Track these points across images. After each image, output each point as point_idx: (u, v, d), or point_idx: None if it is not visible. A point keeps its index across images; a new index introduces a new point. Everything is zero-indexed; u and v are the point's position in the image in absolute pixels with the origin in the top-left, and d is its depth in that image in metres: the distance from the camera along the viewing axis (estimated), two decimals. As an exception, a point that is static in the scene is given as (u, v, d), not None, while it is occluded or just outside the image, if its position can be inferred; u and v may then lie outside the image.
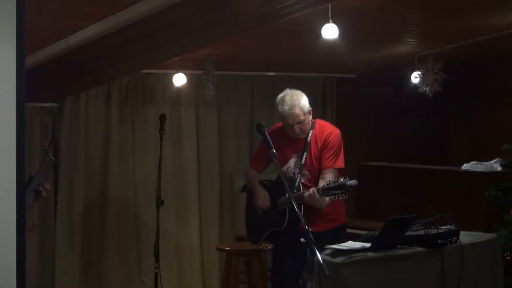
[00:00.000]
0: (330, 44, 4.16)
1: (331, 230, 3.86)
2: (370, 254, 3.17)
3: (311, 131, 3.91)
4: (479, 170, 5.39)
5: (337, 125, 6.66)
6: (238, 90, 6.14)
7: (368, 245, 3.23)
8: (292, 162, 3.94)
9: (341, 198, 3.53)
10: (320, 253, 2.78)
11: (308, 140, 3.87)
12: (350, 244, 3.29)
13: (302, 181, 3.88)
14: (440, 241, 3.35)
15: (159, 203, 4.59)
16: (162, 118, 4.79)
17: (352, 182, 3.45)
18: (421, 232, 3.37)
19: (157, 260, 4.63)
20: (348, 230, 5.97)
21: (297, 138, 3.92)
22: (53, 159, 3.19)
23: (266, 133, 3.71)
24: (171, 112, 5.78)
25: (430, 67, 5.72)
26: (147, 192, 5.33)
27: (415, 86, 5.87)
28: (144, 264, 5.65)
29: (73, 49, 4.35)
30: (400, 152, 6.79)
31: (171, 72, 5.39)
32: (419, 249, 3.32)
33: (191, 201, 5.93)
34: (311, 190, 3.67)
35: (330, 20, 3.83)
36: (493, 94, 6.56)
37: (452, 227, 3.44)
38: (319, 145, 3.88)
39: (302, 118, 3.84)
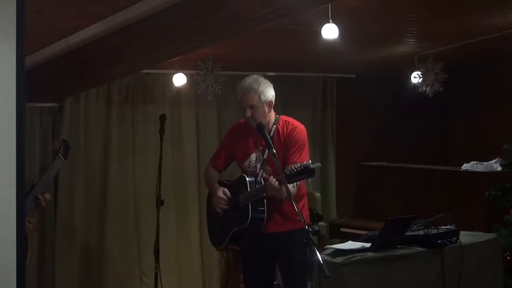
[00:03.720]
0: (330, 44, 4.16)
1: (291, 232, 3.74)
2: (370, 254, 3.18)
3: (274, 126, 3.84)
4: (479, 170, 5.39)
5: (337, 125, 6.76)
6: (238, 90, 6.12)
7: (368, 245, 3.24)
8: (253, 156, 3.86)
9: (304, 181, 3.49)
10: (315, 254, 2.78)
11: (271, 135, 3.80)
12: (350, 244, 3.29)
13: (264, 176, 3.79)
14: (440, 241, 3.36)
15: (159, 203, 4.59)
16: (162, 118, 4.79)
17: (316, 164, 3.37)
18: (421, 232, 3.38)
19: (157, 260, 4.62)
20: (348, 230, 6.05)
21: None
22: (63, 159, 3.14)
23: (266, 133, 3.71)
24: (171, 112, 5.78)
25: (430, 67, 5.74)
26: (147, 192, 5.33)
27: (415, 86, 5.87)
28: (144, 264, 5.65)
29: (73, 49, 4.34)
30: (400, 152, 6.78)
31: (171, 72, 5.39)
32: (419, 249, 3.33)
33: (191, 201, 5.92)
34: (270, 178, 3.58)
35: (330, 20, 3.83)
36: (493, 94, 6.55)
37: (452, 227, 3.44)
38: (283, 140, 3.80)
39: (255, 103, 3.77)
